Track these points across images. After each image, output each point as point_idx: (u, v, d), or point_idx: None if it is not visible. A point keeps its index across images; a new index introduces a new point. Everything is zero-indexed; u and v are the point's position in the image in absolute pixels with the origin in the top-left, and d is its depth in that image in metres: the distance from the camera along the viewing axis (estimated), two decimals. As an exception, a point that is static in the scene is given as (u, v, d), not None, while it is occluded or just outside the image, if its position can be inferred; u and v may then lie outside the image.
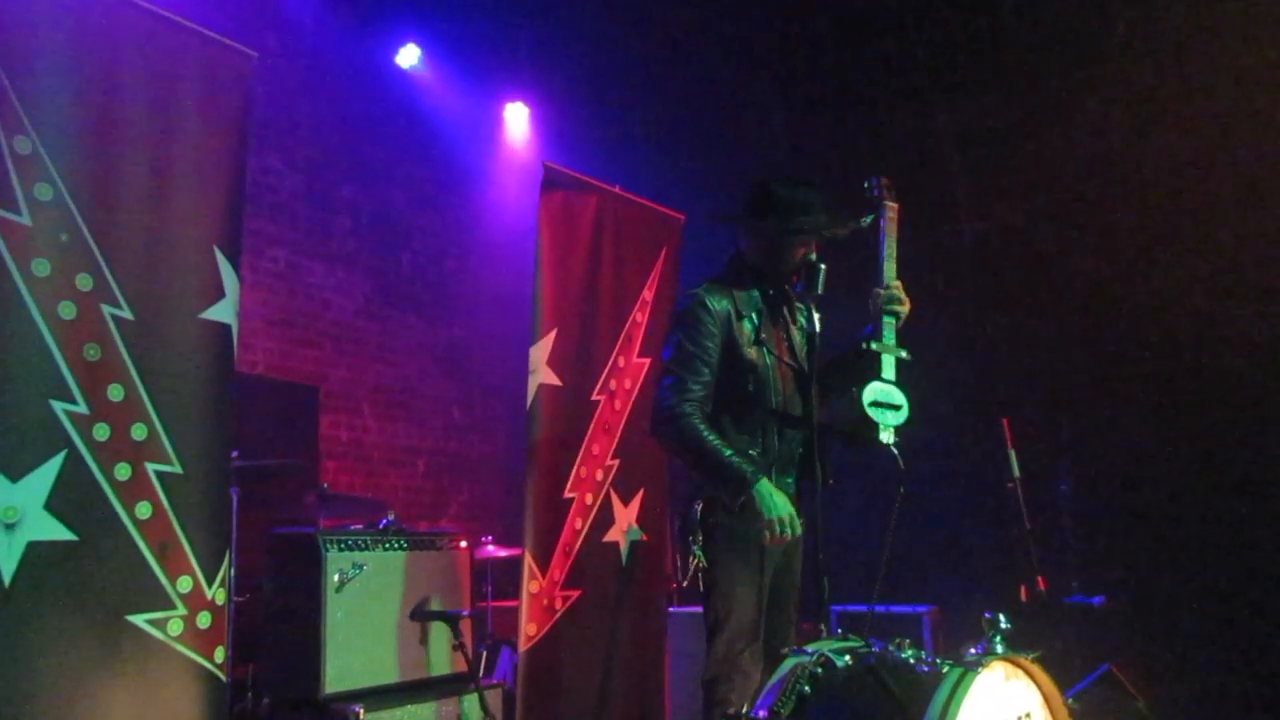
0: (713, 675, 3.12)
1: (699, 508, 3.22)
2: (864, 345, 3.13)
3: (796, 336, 3.35)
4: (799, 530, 3.06)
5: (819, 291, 3.03)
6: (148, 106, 3.16)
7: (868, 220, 3.18)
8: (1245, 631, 5.34)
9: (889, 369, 3.08)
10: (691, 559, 3.26)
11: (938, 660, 2.60)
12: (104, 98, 3.05)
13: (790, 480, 3.26)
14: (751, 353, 3.20)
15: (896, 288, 3.18)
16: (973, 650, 2.59)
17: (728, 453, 3.05)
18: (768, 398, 3.19)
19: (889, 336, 3.12)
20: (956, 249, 6.70)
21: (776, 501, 3.01)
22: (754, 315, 3.23)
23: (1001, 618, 2.62)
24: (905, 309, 3.19)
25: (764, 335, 3.22)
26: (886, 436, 3.04)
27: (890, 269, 3.17)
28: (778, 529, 2.99)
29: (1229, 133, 5.57)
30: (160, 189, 3.17)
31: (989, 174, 6.60)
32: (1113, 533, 5.79)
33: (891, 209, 3.16)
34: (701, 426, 3.09)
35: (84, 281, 2.94)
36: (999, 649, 2.59)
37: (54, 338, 2.85)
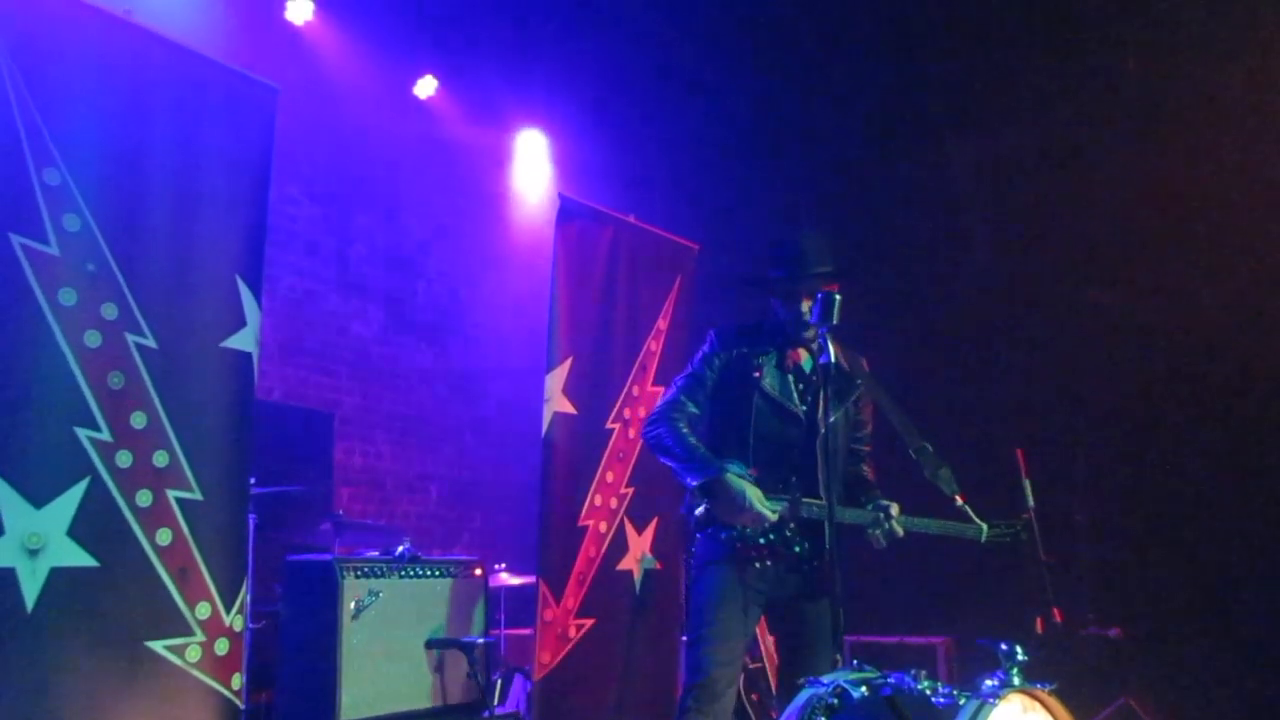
0: (686, 685, 3.20)
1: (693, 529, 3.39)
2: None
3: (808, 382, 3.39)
4: (769, 513, 3.13)
5: (834, 321, 3.04)
6: (173, 139, 3.22)
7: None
8: (1262, 664, 5.29)
9: None
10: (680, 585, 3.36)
11: (954, 692, 2.59)
12: (131, 130, 3.12)
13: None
14: (745, 389, 3.32)
15: None
16: (989, 682, 2.58)
17: (701, 449, 3.25)
18: (750, 434, 3.29)
19: None
20: (972, 279, 6.71)
21: (745, 487, 3.14)
22: (759, 359, 3.36)
23: (1018, 649, 2.61)
24: None
25: (766, 378, 3.33)
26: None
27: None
28: (751, 516, 3.12)
29: (1243, 164, 5.58)
30: (184, 219, 3.23)
31: (1002, 206, 6.62)
32: (1128, 564, 5.76)
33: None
34: (683, 428, 3.30)
35: (109, 310, 2.99)
36: (1015, 681, 2.58)
37: (79, 366, 2.89)
